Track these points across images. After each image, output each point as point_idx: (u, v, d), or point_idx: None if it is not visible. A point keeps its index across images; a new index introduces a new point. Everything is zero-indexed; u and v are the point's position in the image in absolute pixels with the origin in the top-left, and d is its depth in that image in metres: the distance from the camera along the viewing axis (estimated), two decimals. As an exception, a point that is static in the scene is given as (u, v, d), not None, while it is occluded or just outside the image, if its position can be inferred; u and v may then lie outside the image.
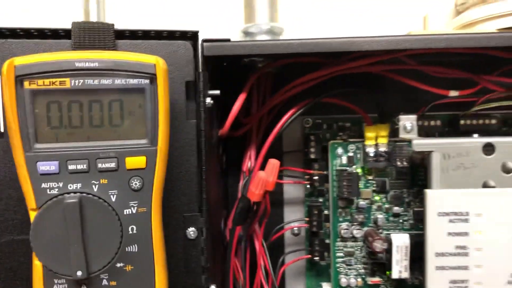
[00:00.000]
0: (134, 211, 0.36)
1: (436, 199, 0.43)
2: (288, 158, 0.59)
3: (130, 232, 0.36)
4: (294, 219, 0.58)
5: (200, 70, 0.43)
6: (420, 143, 0.45)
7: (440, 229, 0.43)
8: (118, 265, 0.36)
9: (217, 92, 0.45)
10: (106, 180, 0.35)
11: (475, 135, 0.47)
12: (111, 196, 0.35)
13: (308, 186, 0.58)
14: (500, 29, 0.49)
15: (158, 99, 0.36)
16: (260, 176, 0.45)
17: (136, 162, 0.35)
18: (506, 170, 0.44)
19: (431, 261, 0.43)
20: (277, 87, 0.53)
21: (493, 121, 0.54)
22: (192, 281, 0.42)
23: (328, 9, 0.63)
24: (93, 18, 0.57)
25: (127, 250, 0.36)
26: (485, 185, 0.44)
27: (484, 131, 0.53)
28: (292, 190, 0.60)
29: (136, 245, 0.36)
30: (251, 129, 0.54)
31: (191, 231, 0.42)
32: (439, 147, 0.44)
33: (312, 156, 0.56)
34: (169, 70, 0.41)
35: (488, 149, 0.45)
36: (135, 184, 0.36)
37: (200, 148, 0.42)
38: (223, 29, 0.62)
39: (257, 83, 0.54)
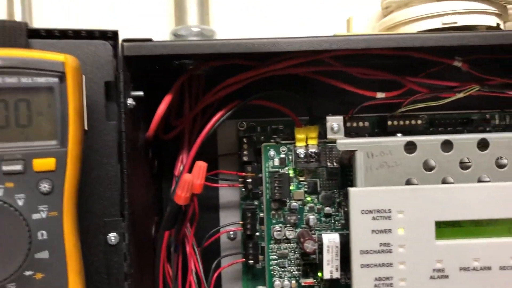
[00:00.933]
0: (44, 216, 0.34)
1: (359, 197, 0.43)
2: (224, 162, 0.59)
3: (40, 238, 0.34)
4: (229, 223, 0.58)
5: (121, 70, 0.42)
6: (344, 143, 0.45)
7: (364, 226, 0.43)
8: (27, 273, 0.34)
9: (140, 93, 0.44)
10: (12, 184, 0.33)
11: (398, 135, 0.48)
12: (18, 200, 0.34)
13: (243, 189, 0.58)
14: (422, 31, 0.50)
15: (68, 98, 0.34)
16: (186, 178, 0.44)
17: (44, 164, 0.34)
18: (428, 167, 0.45)
19: (356, 259, 0.43)
20: (211, 90, 0.53)
21: (420, 122, 0.55)
22: (115, 289, 0.41)
23: (257, 14, 0.63)
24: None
25: (36, 257, 0.34)
26: (408, 183, 0.45)
27: (412, 132, 0.54)
28: (228, 194, 0.60)
29: (47, 251, 0.35)
30: (183, 132, 0.54)
31: (112, 237, 0.41)
32: (362, 146, 0.45)
33: (246, 159, 0.56)
34: (88, 70, 0.40)
35: (410, 147, 0.46)
36: (44, 187, 0.34)
37: (121, 150, 0.41)
38: (155, 33, 0.62)
39: (188, 85, 0.54)
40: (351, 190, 0.44)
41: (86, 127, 0.39)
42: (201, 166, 0.45)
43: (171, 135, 0.53)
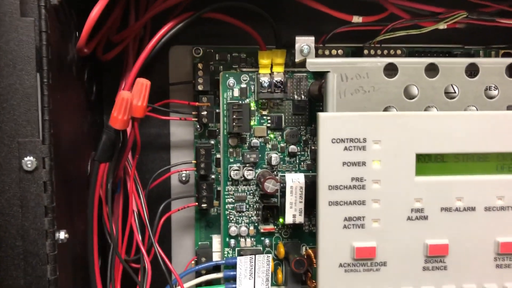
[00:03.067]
0: None
1: (330, 123, 0.37)
2: (176, 94, 0.51)
3: None
4: (180, 162, 0.51)
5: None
6: (315, 62, 0.38)
7: (334, 158, 0.37)
8: None
9: (68, -12, 0.36)
10: None
11: (377, 58, 0.41)
12: None
13: (198, 126, 0.51)
14: None
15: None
16: (123, 96, 0.37)
17: None
18: (409, 95, 0.39)
19: (324, 195, 0.37)
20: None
21: (399, 52, 0.49)
22: (31, 224, 0.34)
23: None
24: None
25: None
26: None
27: (389, 64, 0.48)
28: (180, 132, 0.52)
29: None
30: (127, 50, 0.46)
31: (28, 161, 0.33)
32: (336, 67, 0.38)
33: (201, 88, 0.49)
34: None
35: (390, 72, 0.39)
36: None
37: (40, 55, 0.33)
38: None
39: (135, -2, 0.45)
40: (321, 115, 0.37)
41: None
42: (143, 83, 0.38)
43: (112, 54, 0.45)
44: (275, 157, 0.47)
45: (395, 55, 0.49)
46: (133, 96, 0.37)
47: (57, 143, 0.35)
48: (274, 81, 0.46)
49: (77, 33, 0.41)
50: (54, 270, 0.34)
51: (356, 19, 0.48)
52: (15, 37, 0.33)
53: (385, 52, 0.49)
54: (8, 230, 0.33)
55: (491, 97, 0.40)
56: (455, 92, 0.40)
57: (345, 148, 0.37)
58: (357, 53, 0.50)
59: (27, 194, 0.33)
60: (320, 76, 0.46)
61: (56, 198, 0.34)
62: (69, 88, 0.40)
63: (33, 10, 0.33)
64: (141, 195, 0.44)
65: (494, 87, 0.40)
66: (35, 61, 0.33)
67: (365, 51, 0.49)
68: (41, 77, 0.33)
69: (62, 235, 0.35)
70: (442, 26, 0.48)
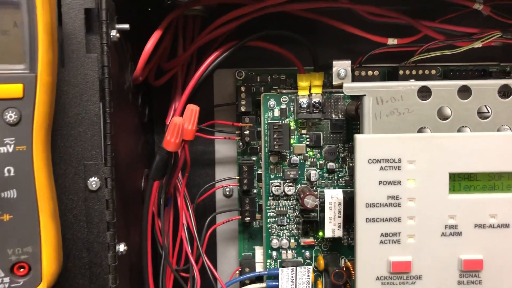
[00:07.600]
0: (10, 150, 0.30)
1: (367, 144, 0.39)
2: (220, 113, 0.55)
3: (7, 175, 0.31)
4: (224, 177, 0.54)
5: (103, -3, 0.37)
6: (351, 86, 0.41)
7: (370, 177, 0.39)
8: (-7, 213, 0.31)
9: (126, 26, 0.40)
10: (-28, 112, 0.30)
11: (411, 80, 0.44)
12: (-20, 131, 0.30)
13: (240, 143, 0.54)
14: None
15: (38, 16, 0.30)
16: (176, 121, 0.40)
17: (10, 90, 0.30)
18: (442, 116, 0.41)
19: (361, 213, 0.39)
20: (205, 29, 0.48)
21: (433, 72, 0.51)
22: (95, 238, 0.37)
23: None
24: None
25: (3, 196, 0.31)
26: (421, 133, 0.41)
27: (425, 83, 0.50)
28: (224, 149, 0.56)
29: (14, 190, 0.31)
30: (176, 77, 0.49)
31: (93, 182, 0.37)
32: (371, 91, 0.41)
33: (243, 109, 0.52)
34: (66, -5, 0.36)
35: (424, 94, 0.41)
36: (11, 117, 0.30)
37: (103, 87, 0.37)
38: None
39: (183, 28, 0.49)
40: (358, 136, 0.39)
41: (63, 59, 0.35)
42: (192, 109, 0.41)
43: (163, 81, 0.49)
44: (314, 173, 0.49)
45: (430, 75, 0.51)
46: (184, 121, 0.41)
47: (116, 163, 0.39)
48: (312, 102, 0.48)
49: (132, 62, 0.46)
50: (115, 279, 0.38)
51: (392, 41, 0.50)
52: (81, 72, 0.37)
53: (420, 72, 0.51)
54: (75, 243, 0.37)
55: (524, 116, 0.41)
56: (488, 112, 0.42)
57: (381, 168, 0.39)
58: (393, 73, 0.52)
59: (92, 211, 0.37)
60: (357, 96, 0.49)
61: (116, 214, 0.38)
62: (126, 113, 0.44)
63: (96, 47, 0.37)
64: (189, 209, 0.48)
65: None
66: (99, 92, 0.37)
67: (401, 72, 0.51)
68: (103, 107, 0.37)
69: (121, 247, 0.39)
70: (477, 45, 0.50)
